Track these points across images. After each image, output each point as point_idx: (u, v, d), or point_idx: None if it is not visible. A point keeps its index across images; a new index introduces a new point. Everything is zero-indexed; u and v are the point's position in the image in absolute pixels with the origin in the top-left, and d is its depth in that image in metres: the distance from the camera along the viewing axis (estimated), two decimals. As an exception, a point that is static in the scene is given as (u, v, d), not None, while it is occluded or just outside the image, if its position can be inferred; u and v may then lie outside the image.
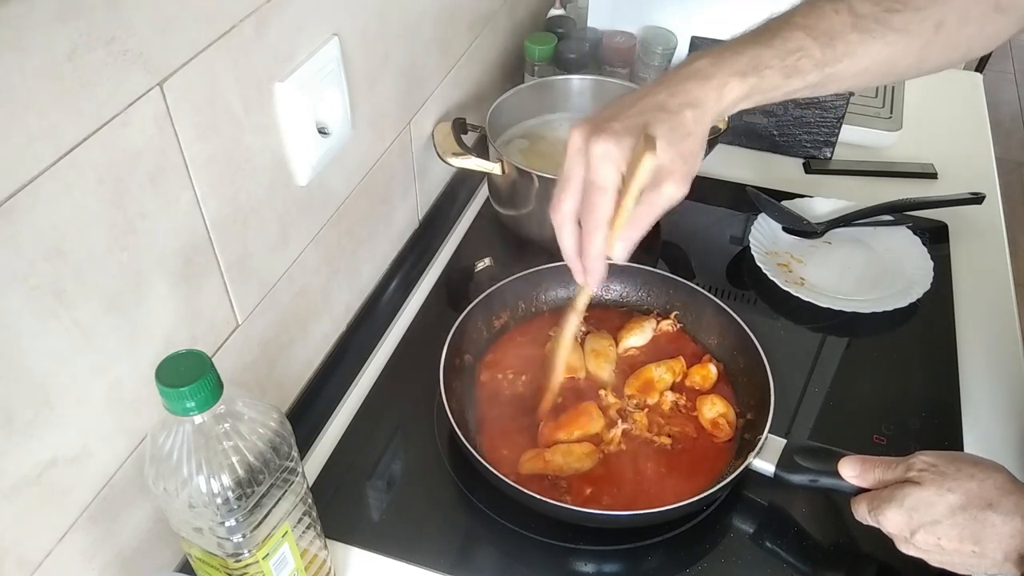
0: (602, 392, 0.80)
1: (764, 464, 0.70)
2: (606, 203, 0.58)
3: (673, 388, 0.81)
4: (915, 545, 0.61)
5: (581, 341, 0.86)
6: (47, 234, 0.47)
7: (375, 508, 0.74)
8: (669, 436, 0.77)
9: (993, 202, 1.07)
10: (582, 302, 0.70)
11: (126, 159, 0.52)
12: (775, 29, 0.61)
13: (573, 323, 0.72)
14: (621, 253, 0.61)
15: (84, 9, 0.46)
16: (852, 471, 0.65)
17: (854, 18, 0.61)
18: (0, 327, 0.46)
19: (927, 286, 0.92)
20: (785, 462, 0.69)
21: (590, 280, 0.64)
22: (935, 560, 0.61)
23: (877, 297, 0.93)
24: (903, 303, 0.90)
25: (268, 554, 0.55)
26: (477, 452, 0.70)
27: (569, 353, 0.76)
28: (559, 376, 0.77)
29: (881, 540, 0.63)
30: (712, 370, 0.82)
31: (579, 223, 0.61)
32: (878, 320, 0.90)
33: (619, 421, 0.77)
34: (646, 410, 0.79)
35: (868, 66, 0.62)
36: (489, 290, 0.85)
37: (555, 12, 1.27)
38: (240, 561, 0.54)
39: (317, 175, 0.74)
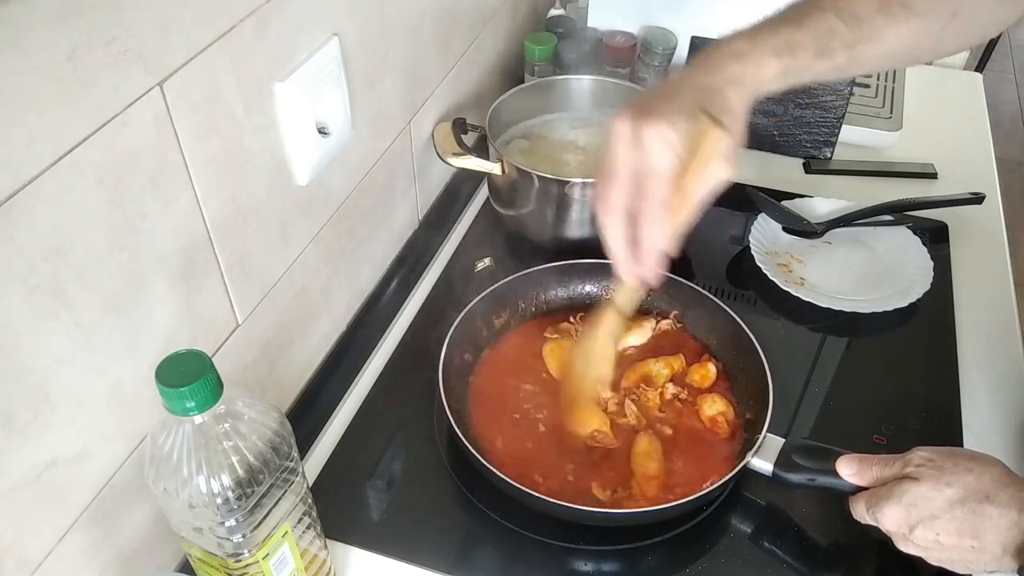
0: (599, 387, 0.80)
1: (762, 463, 0.70)
2: (664, 189, 0.57)
3: (673, 382, 0.81)
4: (914, 542, 0.60)
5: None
6: (47, 234, 0.47)
7: (375, 508, 0.74)
8: (669, 427, 0.77)
9: (993, 202, 1.07)
10: (628, 303, 0.65)
11: (126, 159, 0.52)
12: (805, 10, 0.62)
13: (614, 327, 0.68)
14: (676, 245, 0.60)
15: (84, 9, 0.46)
16: (850, 469, 0.65)
17: (880, 1, 0.62)
18: (0, 327, 0.46)
19: (927, 286, 0.92)
20: (783, 461, 0.69)
21: (649, 275, 0.61)
22: (934, 557, 0.61)
23: (877, 297, 0.93)
24: (903, 303, 0.90)
25: (268, 554, 0.55)
26: (476, 451, 0.71)
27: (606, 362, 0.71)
28: (597, 385, 0.73)
29: (880, 539, 0.63)
30: (711, 369, 0.82)
31: (627, 216, 0.59)
32: (878, 320, 0.90)
33: (626, 400, 0.78)
34: (643, 399, 0.80)
35: (891, 48, 0.64)
36: (488, 289, 0.85)
37: (555, 12, 1.28)
38: (240, 561, 0.54)
39: (317, 175, 0.74)
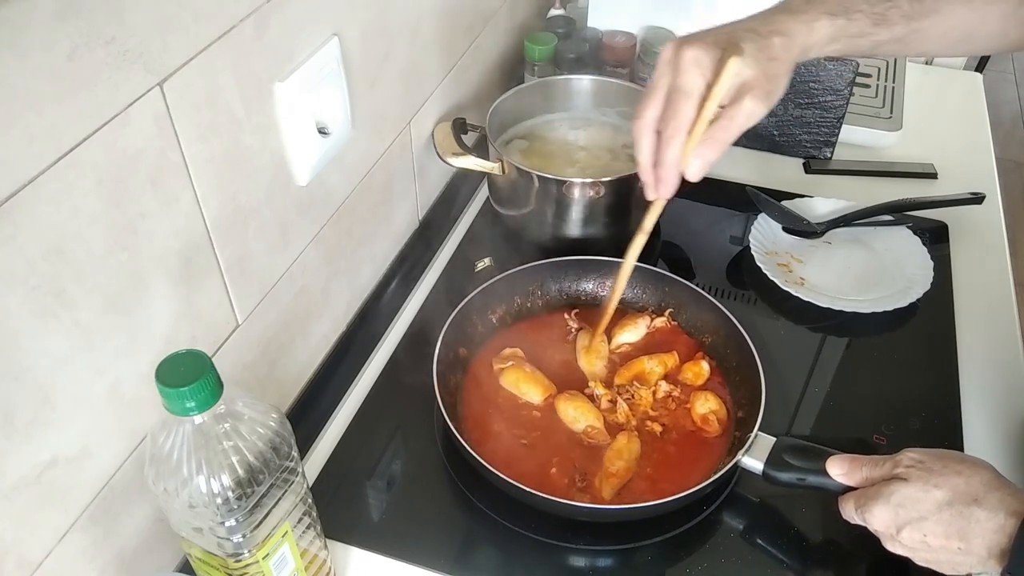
0: (592, 384, 0.81)
1: (753, 462, 0.70)
2: (688, 108, 0.61)
3: (667, 380, 0.82)
4: (901, 542, 0.61)
5: (573, 338, 0.86)
6: (47, 234, 0.47)
7: (375, 508, 0.74)
8: (662, 425, 0.77)
9: (993, 202, 1.07)
10: (650, 221, 0.71)
11: (126, 159, 0.52)
12: None
13: (639, 243, 0.74)
14: (697, 172, 0.63)
15: (84, 9, 0.46)
16: (839, 469, 0.65)
17: None
18: (0, 327, 0.46)
19: (927, 286, 0.92)
20: (774, 460, 0.69)
21: (662, 190, 0.65)
22: (921, 558, 0.61)
23: (877, 297, 0.93)
24: (903, 303, 0.91)
25: (268, 554, 0.55)
26: (468, 444, 0.71)
27: (628, 275, 0.77)
28: (616, 297, 0.79)
29: (873, 539, 0.63)
30: (704, 367, 0.82)
31: (658, 134, 0.64)
32: (878, 320, 0.90)
33: (618, 399, 0.79)
34: (637, 397, 0.80)
35: (952, 26, 0.65)
36: (485, 284, 0.86)
37: (555, 12, 1.28)
38: (240, 561, 0.54)
39: (317, 175, 0.74)
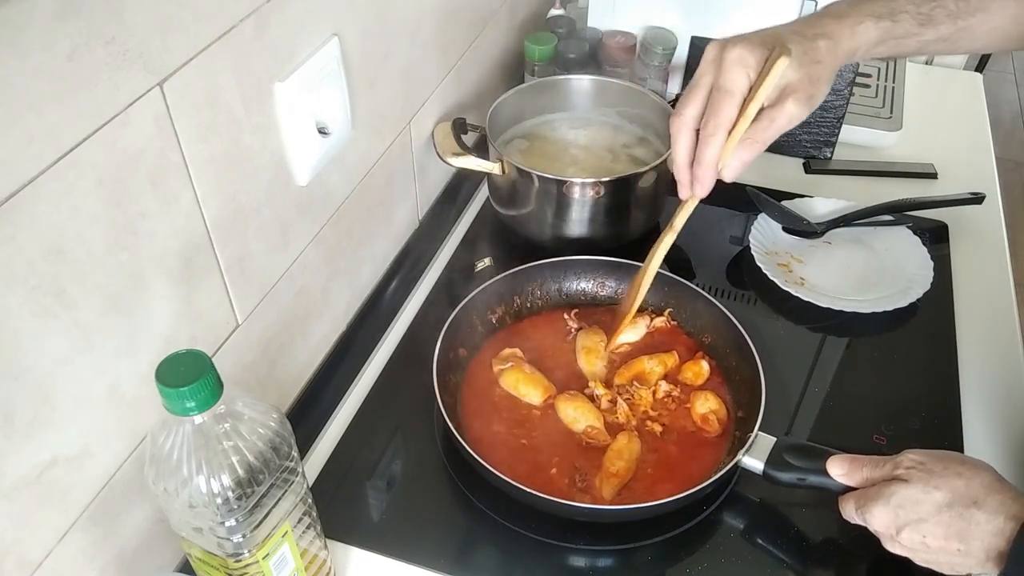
0: (592, 384, 0.80)
1: (754, 462, 0.70)
2: (731, 107, 0.61)
3: (667, 379, 0.82)
4: (901, 543, 0.61)
5: (573, 338, 0.86)
6: (47, 234, 0.47)
7: (375, 508, 0.74)
8: (662, 425, 0.77)
9: (993, 202, 1.07)
10: (681, 219, 0.71)
11: (126, 159, 0.52)
12: None
13: (667, 241, 0.73)
14: (733, 172, 0.63)
15: (84, 9, 0.46)
16: (840, 469, 0.65)
17: None
18: (0, 327, 0.46)
19: (927, 286, 0.92)
20: (775, 460, 0.69)
21: (698, 189, 0.65)
22: (920, 559, 0.61)
23: (877, 297, 0.93)
24: (903, 303, 0.90)
25: (268, 554, 0.55)
26: (467, 444, 0.71)
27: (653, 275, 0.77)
28: (639, 297, 0.79)
29: (873, 539, 0.63)
30: (704, 367, 0.82)
31: (696, 132, 0.64)
32: (878, 320, 0.90)
33: (618, 399, 0.78)
34: (636, 397, 0.80)
35: (1000, 24, 0.64)
36: (484, 284, 0.86)
37: (555, 12, 1.28)
38: (240, 561, 0.54)
39: (317, 175, 0.74)
